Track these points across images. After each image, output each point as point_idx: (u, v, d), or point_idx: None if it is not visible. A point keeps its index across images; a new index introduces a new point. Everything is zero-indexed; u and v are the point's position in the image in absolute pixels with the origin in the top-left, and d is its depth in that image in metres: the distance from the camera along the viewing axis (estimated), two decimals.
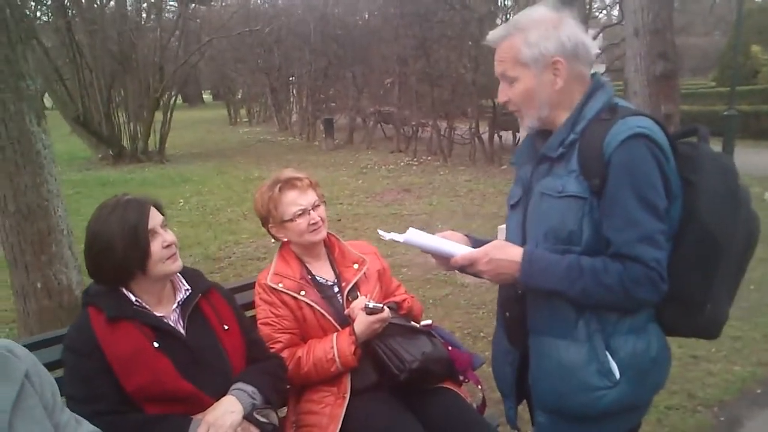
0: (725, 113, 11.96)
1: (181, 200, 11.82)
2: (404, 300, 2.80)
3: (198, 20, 24.72)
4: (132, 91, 19.30)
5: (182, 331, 2.23)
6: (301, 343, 2.63)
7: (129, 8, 20.92)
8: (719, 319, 1.91)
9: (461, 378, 2.72)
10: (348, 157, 17.41)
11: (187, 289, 2.31)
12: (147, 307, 2.20)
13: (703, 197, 1.83)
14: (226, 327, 2.32)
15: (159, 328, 2.17)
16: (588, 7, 17.98)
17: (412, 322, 2.72)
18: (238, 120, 31.93)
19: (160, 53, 18.53)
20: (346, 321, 2.62)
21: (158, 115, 19.09)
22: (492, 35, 1.99)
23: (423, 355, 2.54)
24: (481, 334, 5.18)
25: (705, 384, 4.20)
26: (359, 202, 11.11)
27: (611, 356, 1.87)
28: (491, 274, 1.93)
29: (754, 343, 4.85)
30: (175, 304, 2.27)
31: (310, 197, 2.70)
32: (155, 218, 2.20)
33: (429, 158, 16.16)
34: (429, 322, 2.80)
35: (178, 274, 2.32)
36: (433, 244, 2.04)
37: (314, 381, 2.58)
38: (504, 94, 2.00)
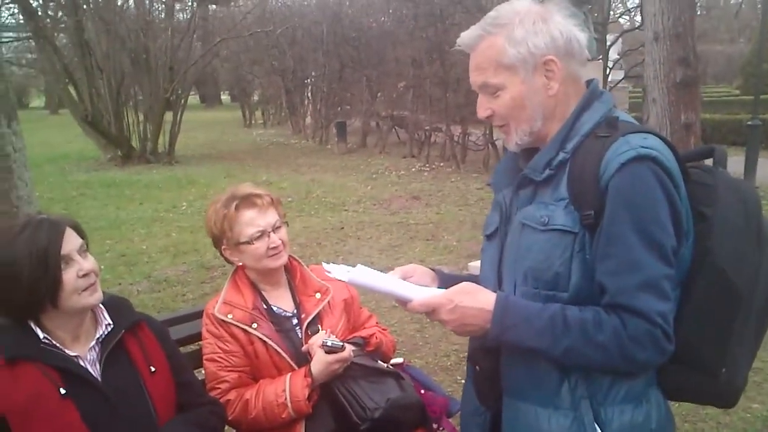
0: (749, 123, 11.48)
1: (184, 203, 11.55)
2: (372, 335, 2.46)
3: (211, 21, 24.49)
4: (144, 92, 19.11)
5: (98, 373, 1.89)
6: (252, 383, 2.31)
7: (146, 7, 20.74)
8: (736, 384, 1.54)
9: (435, 426, 2.37)
10: (360, 161, 17.10)
11: (109, 324, 1.97)
12: (57, 345, 1.87)
13: (719, 235, 1.47)
14: (153, 369, 1.99)
15: (68, 371, 1.83)
16: (609, 10, 17.54)
17: (381, 362, 2.37)
18: (253, 122, 31.75)
19: (170, 53, 18.28)
20: (304, 359, 2.29)
21: (171, 116, 18.89)
22: (465, 37, 1.62)
23: (388, 402, 2.20)
24: None
25: (720, 424, 3.80)
26: (365, 209, 10.77)
27: (601, 429, 1.51)
28: (455, 325, 1.57)
29: None
30: (93, 342, 1.94)
31: (270, 217, 2.35)
32: (71, 242, 1.87)
33: (442, 164, 15.78)
34: (400, 360, 2.47)
35: (101, 305, 1.98)
36: (383, 286, 1.66)
37: (264, 428, 2.26)
38: (485, 107, 1.63)
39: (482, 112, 1.65)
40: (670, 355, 1.45)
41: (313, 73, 23.66)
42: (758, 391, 4.19)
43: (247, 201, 2.36)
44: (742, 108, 19.81)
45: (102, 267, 1.98)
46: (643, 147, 1.45)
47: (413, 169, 15.26)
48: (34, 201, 4.63)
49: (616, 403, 1.52)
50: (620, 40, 17.10)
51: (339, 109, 22.76)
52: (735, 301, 1.47)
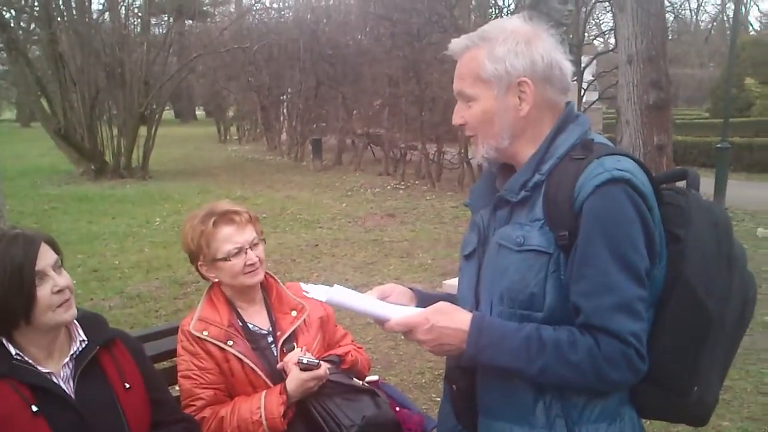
0: (718, 145, 11.70)
1: (158, 219, 11.46)
2: (348, 352, 2.46)
3: (188, 36, 24.42)
4: (118, 106, 18.98)
5: (71, 390, 1.87)
6: (227, 400, 2.29)
7: (122, 21, 20.64)
8: (708, 404, 1.57)
9: None
10: (335, 178, 17.10)
11: (83, 340, 1.95)
12: (30, 362, 1.84)
13: (691, 257, 1.49)
14: (128, 385, 1.97)
15: (41, 388, 1.81)
16: (583, 32, 17.81)
17: (356, 379, 2.38)
18: (228, 138, 31.63)
19: (145, 68, 18.20)
20: (280, 376, 2.28)
21: (146, 131, 18.75)
22: (455, 44, 1.66)
23: (363, 419, 2.20)
24: None
25: None
26: (340, 227, 10.77)
27: None
28: (432, 345, 1.57)
29: (745, 394, 4.51)
30: (67, 358, 1.92)
31: (248, 234, 2.35)
32: (46, 257, 1.85)
33: (417, 182, 15.84)
34: (375, 378, 2.47)
35: (75, 322, 1.96)
36: (360, 306, 1.67)
37: None
38: (459, 115, 1.66)
39: (456, 119, 1.69)
40: (643, 374, 1.47)
41: (289, 90, 23.70)
42: (728, 408, 4.25)
43: (225, 217, 2.36)
44: (711, 131, 20.19)
45: (74, 282, 1.96)
46: (617, 169, 1.48)
47: (388, 187, 15.31)
48: (5, 214, 4.57)
49: (591, 421, 1.53)
50: (594, 62, 17.38)
51: (315, 126, 22.76)
52: (706, 322, 1.49)
